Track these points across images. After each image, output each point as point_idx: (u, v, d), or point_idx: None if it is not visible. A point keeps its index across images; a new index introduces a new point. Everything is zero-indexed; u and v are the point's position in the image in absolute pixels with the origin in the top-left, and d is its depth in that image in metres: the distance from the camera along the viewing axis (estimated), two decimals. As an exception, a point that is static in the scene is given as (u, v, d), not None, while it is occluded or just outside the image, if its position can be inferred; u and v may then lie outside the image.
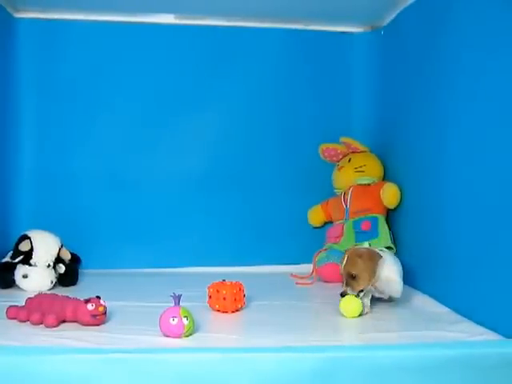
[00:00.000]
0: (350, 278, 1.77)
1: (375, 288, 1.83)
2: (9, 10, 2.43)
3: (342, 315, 1.74)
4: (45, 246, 2.13)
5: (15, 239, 2.16)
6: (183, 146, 2.60)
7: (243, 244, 2.59)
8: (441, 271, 1.91)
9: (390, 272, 1.83)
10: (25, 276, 2.08)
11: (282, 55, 2.65)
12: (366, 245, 1.90)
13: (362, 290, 1.77)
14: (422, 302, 1.92)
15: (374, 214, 2.34)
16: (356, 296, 1.75)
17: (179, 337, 1.46)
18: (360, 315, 1.75)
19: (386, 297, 1.88)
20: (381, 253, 1.84)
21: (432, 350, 1.33)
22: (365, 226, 2.32)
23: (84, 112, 2.56)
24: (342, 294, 1.76)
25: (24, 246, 2.10)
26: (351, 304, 1.75)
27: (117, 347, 1.35)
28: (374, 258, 1.80)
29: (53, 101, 2.54)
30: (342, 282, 1.80)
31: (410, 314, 1.82)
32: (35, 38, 2.52)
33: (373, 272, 1.78)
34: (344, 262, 1.80)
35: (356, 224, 2.36)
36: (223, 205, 2.61)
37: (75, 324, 1.59)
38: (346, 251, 1.86)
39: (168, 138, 2.59)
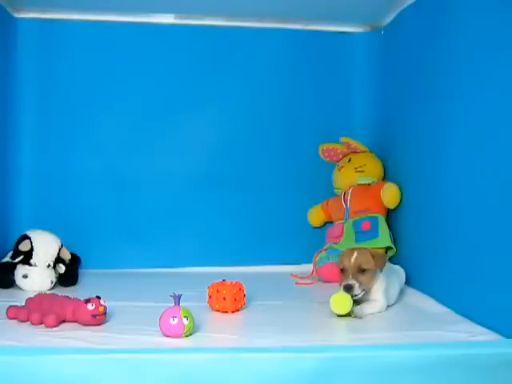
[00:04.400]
0: (359, 272, 1.75)
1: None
2: (9, 10, 2.43)
3: (332, 311, 1.71)
4: (45, 245, 2.13)
5: (15, 239, 2.16)
6: (183, 146, 2.60)
7: (243, 244, 2.59)
8: (440, 271, 1.91)
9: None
10: (25, 276, 2.08)
11: (282, 55, 2.65)
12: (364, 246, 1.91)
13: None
14: (422, 301, 1.91)
15: (374, 214, 2.34)
16: (353, 296, 1.72)
17: (179, 337, 1.46)
18: (348, 313, 1.71)
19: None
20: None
21: (432, 349, 1.32)
22: (365, 226, 2.32)
23: (84, 112, 2.56)
24: (348, 287, 1.73)
25: (24, 246, 2.10)
26: (342, 300, 1.71)
27: (117, 347, 1.36)
28: (383, 258, 1.83)
29: (53, 101, 2.55)
30: (346, 277, 1.76)
31: (410, 314, 1.82)
32: (35, 38, 2.52)
33: (379, 270, 1.79)
34: (353, 256, 1.75)
35: (356, 224, 2.36)
36: (223, 205, 2.61)
37: (75, 324, 1.59)
38: (346, 250, 1.84)
39: (168, 138, 2.59)
